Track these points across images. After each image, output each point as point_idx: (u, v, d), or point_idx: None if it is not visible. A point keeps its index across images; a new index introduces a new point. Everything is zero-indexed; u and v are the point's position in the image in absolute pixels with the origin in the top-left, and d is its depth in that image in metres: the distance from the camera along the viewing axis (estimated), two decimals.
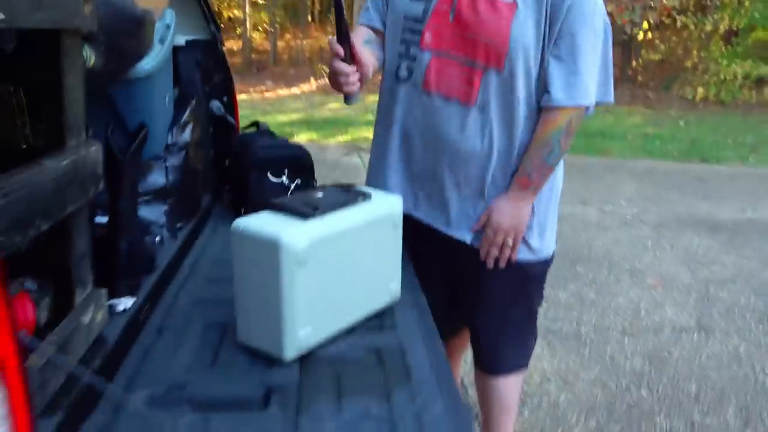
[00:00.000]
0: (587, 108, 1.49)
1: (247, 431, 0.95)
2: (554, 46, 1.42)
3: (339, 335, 1.25)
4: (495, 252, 1.56)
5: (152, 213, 1.83)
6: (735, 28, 10.79)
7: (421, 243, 1.62)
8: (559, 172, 1.62)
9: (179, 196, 1.89)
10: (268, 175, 1.90)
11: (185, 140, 1.93)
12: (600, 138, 7.62)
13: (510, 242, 1.55)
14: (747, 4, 10.46)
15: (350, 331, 1.27)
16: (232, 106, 2.25)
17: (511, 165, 1.53)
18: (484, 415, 1.85)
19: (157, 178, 1.84)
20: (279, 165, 1.92)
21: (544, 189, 1.57)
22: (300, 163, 1.97)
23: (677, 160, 6.72)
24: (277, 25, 15.92)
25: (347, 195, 1.27)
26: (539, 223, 1.59)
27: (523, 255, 1.59)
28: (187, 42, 2.10)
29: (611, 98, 1.54)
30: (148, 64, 1.60)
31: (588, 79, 1.45)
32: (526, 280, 1.65)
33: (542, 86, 1.47)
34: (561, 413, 2.36)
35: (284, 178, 1.89)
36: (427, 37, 1.49)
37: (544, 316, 3.13)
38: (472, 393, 2.31)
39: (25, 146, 1.22)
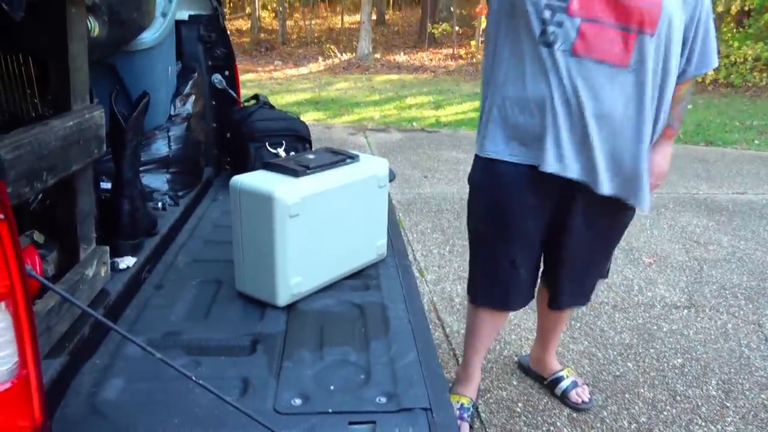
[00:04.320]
0: None
1: (234, 372, 1.03)
2: (696, 24, 1.68)
3: (327, 290, 1.34)
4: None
5: (155, 181, 1.92)
6: (747, 9, 10.67)
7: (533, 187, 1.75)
8: None
9: (181, 166, 1.97)
10: (266, 146, 1.98)
11: (187, 111, 2.00)
12: None
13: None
14: None
15: (337, 288, 1.36)
16: (233, 80, 2.32)
17: (659, 122, 1.71)
18: (544, 332, 2.29)
19: (160, 147, 1.93)
20: (277, 136, 1.99)
21: None
22: (297, 135, 2.05)
23: (681, 142, 6.72)
24: (286, 5, 15.89)
25: (336, 156, 1.36)
26: None
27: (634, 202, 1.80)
28: (190, 16, 2.16)
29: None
30: (150, 36, 1.67)
31: (715, 52, 1.77)
32: (626, 226, 1.93)
33: (682, 54, 1.70)
34: None
35: (281, 150, 1.96)
36: (575, 4, 1.62)
37: (538, 291, 3.21)
38: (448, 331, 2.40)
39: (34, 114, 1.30)
